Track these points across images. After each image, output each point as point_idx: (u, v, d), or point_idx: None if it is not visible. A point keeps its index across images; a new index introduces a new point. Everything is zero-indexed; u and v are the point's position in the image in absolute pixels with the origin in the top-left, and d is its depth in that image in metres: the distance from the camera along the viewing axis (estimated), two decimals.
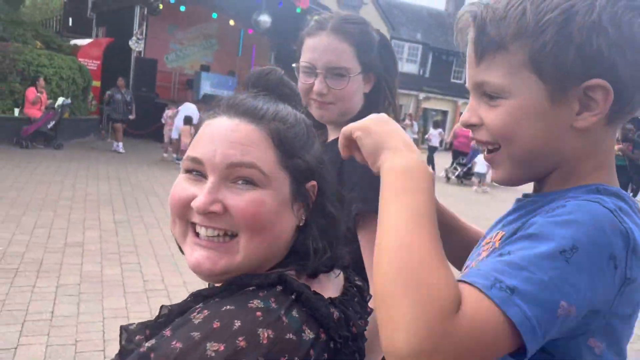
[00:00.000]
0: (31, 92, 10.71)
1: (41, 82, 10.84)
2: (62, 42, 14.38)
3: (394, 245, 0.61)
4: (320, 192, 0.77)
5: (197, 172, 0.72)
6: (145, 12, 14.82)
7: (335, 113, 1.28)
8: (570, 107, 0.69)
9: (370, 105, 1.29)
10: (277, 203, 0.71)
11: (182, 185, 0.72)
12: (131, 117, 11.82)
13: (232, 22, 19.81)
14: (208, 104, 0.80)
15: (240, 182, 0.70)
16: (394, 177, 0.69)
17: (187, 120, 9.85)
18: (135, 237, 5.26)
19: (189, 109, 10.68)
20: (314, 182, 0.76)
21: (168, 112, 11.06)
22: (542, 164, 0.73)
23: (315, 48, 1.24)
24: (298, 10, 16.71)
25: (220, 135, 0.70)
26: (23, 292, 3.67)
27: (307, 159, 0.75)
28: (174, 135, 10.33)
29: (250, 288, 0.68)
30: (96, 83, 14.23)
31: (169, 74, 19.18)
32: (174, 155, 11.20)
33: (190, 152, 0.72)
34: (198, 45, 20.52)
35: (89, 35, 19.43)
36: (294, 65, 1.31)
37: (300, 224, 0.75)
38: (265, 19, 16.71)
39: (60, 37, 15.28)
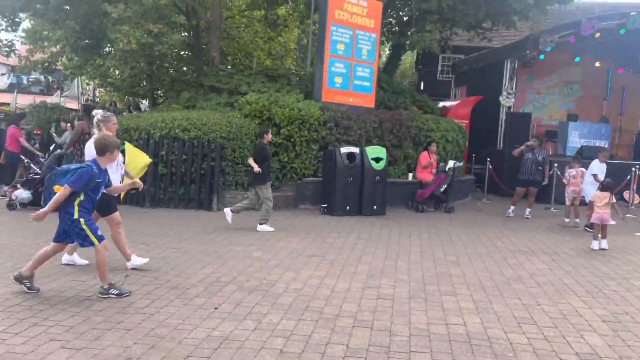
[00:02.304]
0: (424, 157, 10.96)
1: (433, 147, 11.02)
2: (433, 104, 14.82)
3: None
4: None
5: None
6: (516, 66, 14.13)
7: None
8: None
9: None
10: None
11: None
12: (544, 182, 10.50)
13: (598, 64, 17.56)
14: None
15: None
16: None
17: (607, 187, 7.75)
18: None
19: (599, 167, 9.11)
20: None
21: (571, 172, 9.69)
22: None
23: None
24: None
25: None
26: None
27: None
28: (587, 198, 8.85)
29: None
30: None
31: None
32: (577, 220, 9.70)
33: None
34: (557, 93, 18.77)
35: (441, 96, 20.10)
36: None
37: None
38: None
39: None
